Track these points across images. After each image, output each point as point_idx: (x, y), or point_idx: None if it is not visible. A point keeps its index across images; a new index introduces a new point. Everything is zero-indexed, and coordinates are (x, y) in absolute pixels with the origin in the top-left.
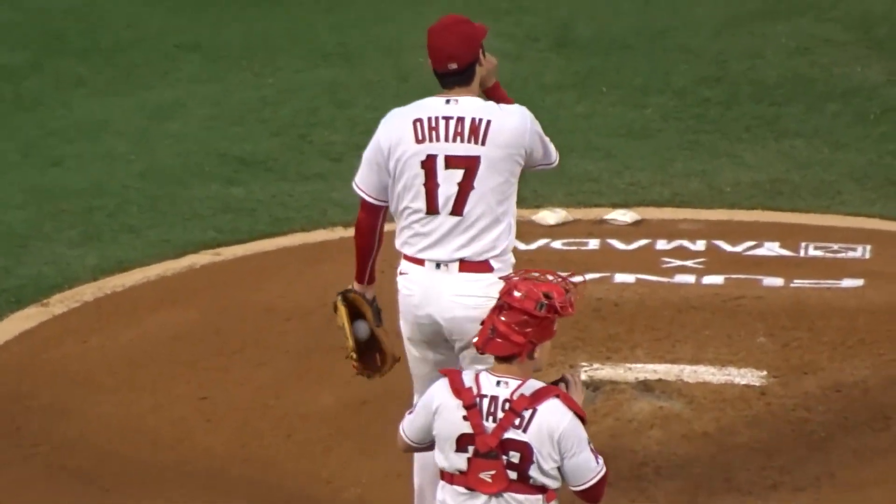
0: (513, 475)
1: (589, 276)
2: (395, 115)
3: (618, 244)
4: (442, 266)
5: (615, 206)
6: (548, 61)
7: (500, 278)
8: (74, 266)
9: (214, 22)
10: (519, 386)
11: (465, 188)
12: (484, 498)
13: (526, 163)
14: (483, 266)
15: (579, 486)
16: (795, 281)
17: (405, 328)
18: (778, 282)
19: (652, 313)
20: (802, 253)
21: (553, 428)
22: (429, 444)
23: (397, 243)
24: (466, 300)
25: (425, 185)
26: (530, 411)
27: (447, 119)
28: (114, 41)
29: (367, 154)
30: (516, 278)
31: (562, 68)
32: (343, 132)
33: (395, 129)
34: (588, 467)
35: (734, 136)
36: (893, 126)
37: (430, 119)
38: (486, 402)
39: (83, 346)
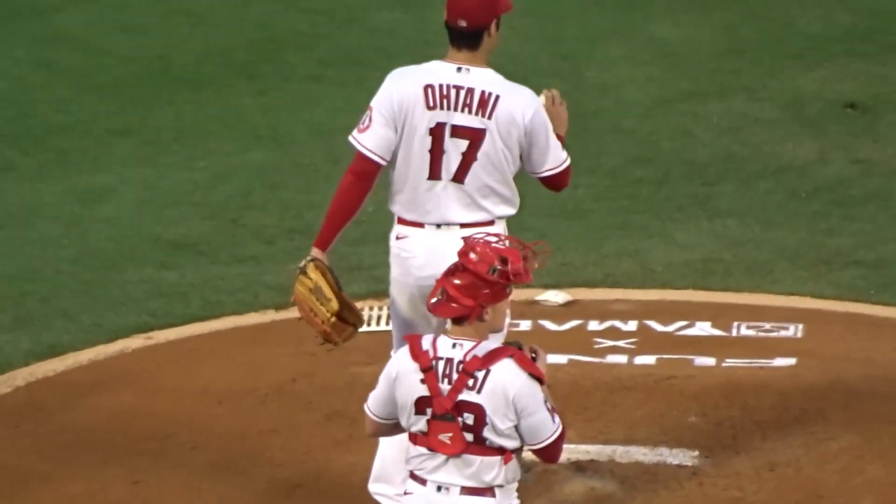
0: (469, 437)
1: None
2: (404, 74)
3: (550, 325)
4: (444, 227)
5: (547, 286)
6: None
7: (462, 238)
8: (7, 351)
9: (145, 106)
10: (473, 347)
11: (468, 158)
12: (443, 458)
13: (526, 151)
14: (484, 225)
15: (536, 444)
16: (728, 360)
17: (400, 297)
18: (710, 361)
19: (584, 394)
20: (734, 332)
21: (507, 388)
22: (394, 423)
23: (394, 208)
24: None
25: (431, 151)
26: (483, 372)
27: (458, 88)
28: (45, 126)
29: (379, 107)
30: (476, 239)
31: None
32: (275, 215)
33: (409, 91)
34: (545, 427)
35: (666, 215)
36: (825, 204)
37: (441, 86)
38: (441, 364)
39: (15, 430)
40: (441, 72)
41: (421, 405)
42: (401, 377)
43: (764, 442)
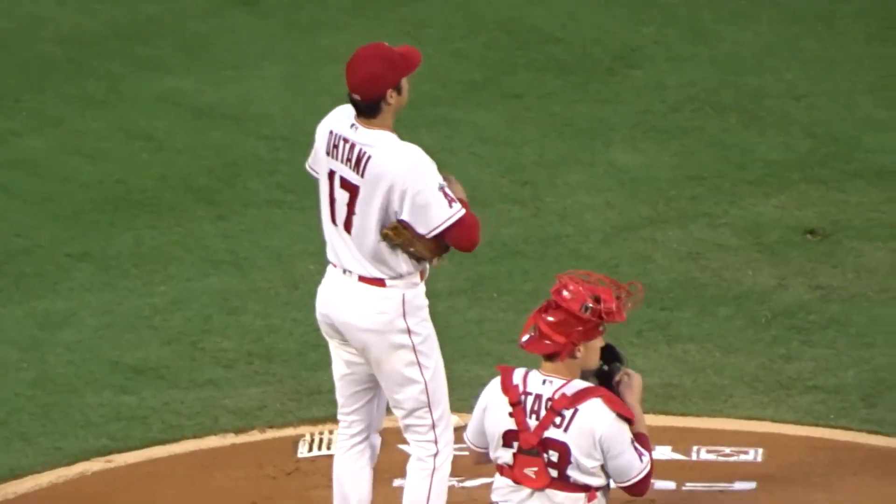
0: (553, 473)
1: (478, 482)
2: (331, 115)
3: None
4: (346, 273)
5: None
6: (440, 268)
7: (557, 276)
8: None
9: (105, 231)
10: (562, 385)
11: (350, 211)
12: (528, 492)
13: (410, 214)
14: (376, 281)
15: (623, 483)
16: (688, 484)
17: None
18: (670, 485)
19: None
20: (694, 456)
21: (594, 429)
22: None
23: None
24: (358, 309)
25: (328, 194)
26: (571, 411)
27: (345, 141)
28: (4, 250)
29: (316, 136)
30: (569, 276)
31: (452, 274)
32: (234, 339)
33: (323, 130)
34: (631, 466)
35: (626, 340)
36: (784, 330)
37: (336, 136)
38: (530, 399)
39: None
40: (342, 122)
41: (508, 438)
42: (490, 409)
43: None
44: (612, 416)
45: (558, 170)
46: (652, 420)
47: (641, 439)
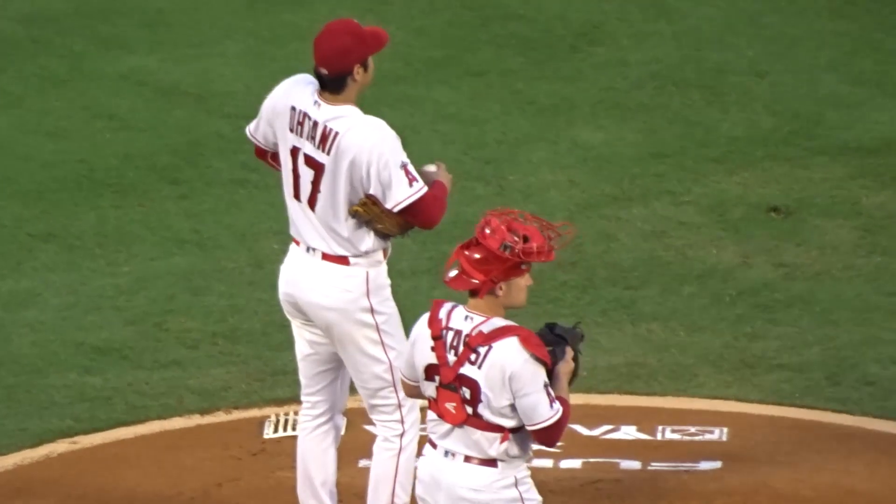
0: (469, 410)
1: None
2: (291, 85)
3: None
4: (310, 251)
5: None
6: (402, 246)
7: (485, 213)
8: None
9: (68, 211)
10: (481, 322)
11: (315, 188)
12: (448, 426)
13: (375, 190)
14: (340, 259)
15: (531, 426)
16: (653, 464)
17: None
18: (636, 465)
19: None
20: (659, 436)
21: (504, 367)
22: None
23: None
24: (321, 287)
25: (292, 170)
26: (486, 348)
27: (309, 118)
28: None
29: (264, 108)
30: (494, 215)
31: (416, 254)
32: (198, 319)
33: (283, 104)
34: (539, 410)
35: (590, 319)
36: (748, 308)
37: (300, 112)
38: (450, 334)
39: None
40: (305, 98)
41: (430, 372)
42: (416, 342)
43: None
44: (525, 355)
45: (521, 147)
46: (617, 400)
47: (560, 399)
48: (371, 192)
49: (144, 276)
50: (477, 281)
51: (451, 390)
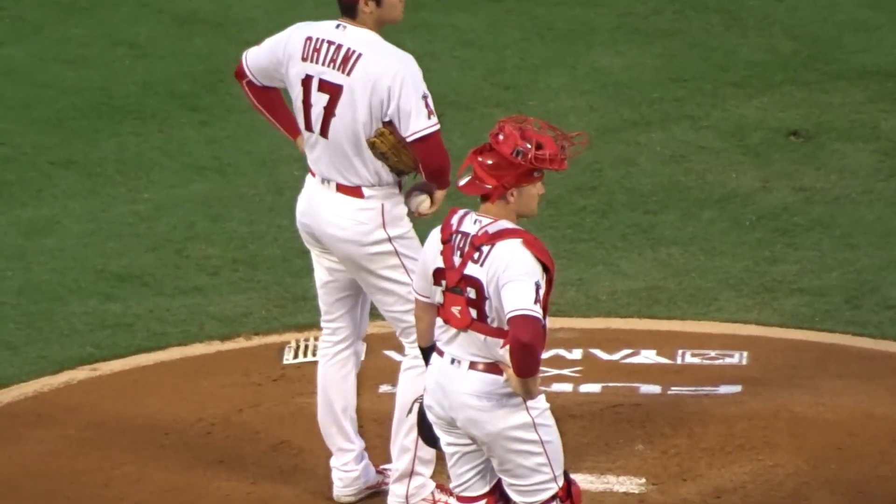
0: (473, 313)
1: None
2: (299, 27)
3: None
4: (325, 182)
5: None
6: None
7: (501, 122)
8: None
9: (88, 138)
10: (488, 224)
11: (328, 113)
12: (454, 332)
13: (392, 116)
14: (354, 191)
15: (511, 311)
16: (673, 388)
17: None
18: (655, 389)
19: None
20: (679, 360)
21: (505, 262)
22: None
23: None
24: (336, 220)
25: (303, 101)
26: (489, 247)
27: (330, 43)
28: None
29: (271, 42)
30: (509, 122)
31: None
32: (219, 246)
33: (294, 42)
34: (522, 299)
35: (610, 244)
36: (768, 232)
37: (317, 40)
38: (458, 238)
39: None
40: (324, 26)
41: (437, 277)
42: (427, 247)
43: (710, 469)
44: (527, 253)
45: (540, 73)
46: (636, 324)
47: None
48: (388, 117)
49: (165, 203)
50: (489, 186)
51: (456, 294)
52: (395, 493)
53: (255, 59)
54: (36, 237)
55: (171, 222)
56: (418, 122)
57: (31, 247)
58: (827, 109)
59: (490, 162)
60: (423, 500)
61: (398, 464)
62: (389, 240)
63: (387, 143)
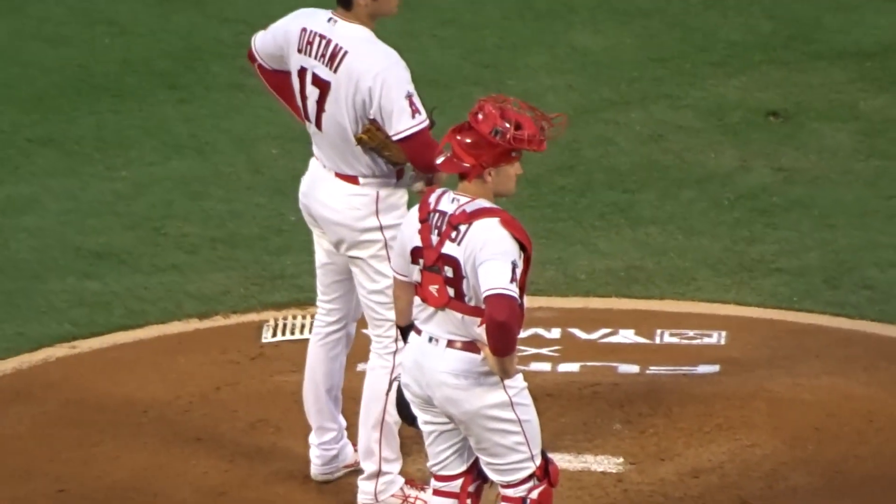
0: (451, 291)
1: None
2: (298, 16)
3: None
4: (325, 167)
5: None
6: None
7: (481, 101)
8: None
9: (67, 116)
10: (466, 203)
11: (320, 107)
12: (432, 310)
13: (375, 115)
14: (351, 178)
15: (486, 290)
16: (651, 368)
17: None
18: (634, 369)
19: None
20: (658, 340)
21: (482, 240)
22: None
23: None
24: (331, 202)
25: (300, 92)
26: (466, 226)
27: (321, 37)
28: None
29: (274, 28)
30: (489, 101)
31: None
32: (197, 224)
33: (291, 32)
34: (498, 278)
35: (588, 223)
36: (747, 212)
37: (310, 32)
38: (436, 216)
39: None
40: (318, 17)
41: (415, 255)
42: (405, 226)
43: (688, 449)
44: (505, 232)
45: (520, 52)
46: (615, 303)
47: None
48: (372, 116)
49: (143, 181)
50: (467, 165)
51: (434, 272)
52: (364, 490)
53: (263, 43)
54: (14, 215)
55: (150, 200)
56: (401, 122)
57: (10, 224)
58: (806, 89)
59: (468, 141)
60: (393, 496)
61: (364, 465)
62: (381, 229)
63: (375, 139)
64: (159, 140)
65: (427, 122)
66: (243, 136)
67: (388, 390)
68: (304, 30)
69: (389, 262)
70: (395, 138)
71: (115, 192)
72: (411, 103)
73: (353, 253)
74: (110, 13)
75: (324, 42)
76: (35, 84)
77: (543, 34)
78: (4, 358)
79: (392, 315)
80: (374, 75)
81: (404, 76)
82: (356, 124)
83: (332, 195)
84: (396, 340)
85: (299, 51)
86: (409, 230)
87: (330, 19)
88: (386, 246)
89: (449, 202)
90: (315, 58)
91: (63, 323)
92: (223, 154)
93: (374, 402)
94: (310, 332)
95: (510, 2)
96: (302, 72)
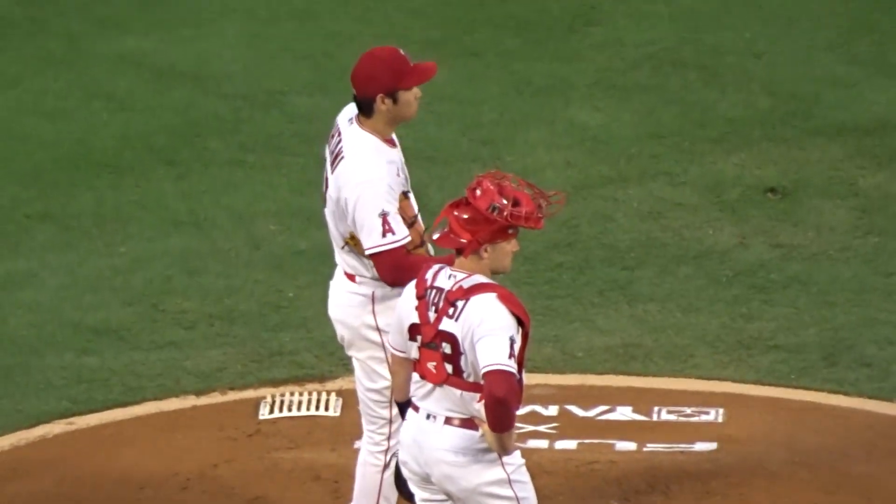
0: (449, 368)
1: None
2: (346, 107)
3: None
4: (337, 267)
5: None
6: None
7: (480, 177)
8: None
9: (65, 191)
10: (463, 279)
11: (324, 201)
12: (430, 387)
13: (351, 226)
14: (349, 276)
15: (485, 366)
16: (649, 445)
17: None
18: (631, 446)
19: None
20: (655, 417)
21: (480, 316)
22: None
23: None
24: (334, 298)
25: (324, 181)
26: (463, 301)
27: (339, 134)
28: None
29: None
30: (487, 177)
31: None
32: (195, 300)
33: (336, 120)
34: (496, 354)
35: (587, 300)
36: (745, 289)
37: (336, 127)
38: (433, 293)
39: None
40: (346, 115)
41: (413, 332)
42: (401, 302)
43: None
44: (502, 307)
45: (518, 128)
46: (612, 380)
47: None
48: (349, 226)
49: (141, 257)
50: (463, 241)
51: (431, 349)
52: None
53: None
54: (12, 290)
55: (148, 276)
56: (371, 239)
57: (8, 299)
58: (805, 166)
59: (465, 216)
60: None
61: None
62: (378, 329)
63: (359, 246)
64: (157, 216)
65: (400, 244)
66: (242, 212)
67: (381, 488)
68: (336, 123)
69: (387, 363)
70: (366, 253)
71: (114, 267)
72: (385, 222)
73: (352, 352)
74: (109, 88)
75: (338, 140)
76: (34, 159)
77: (542, 110)
78: (2, 434)
79: (386, 414)
80: (353, 186)
81: (381, 192)
82: (343, 227)
83: (335, 291)
84: (389, 438)
85: (327, 141)
86: (406, 306)
87: (351, 119)
88: (384, 347)
89: (446, 278)
90: (330, 152)
91: (61, 399)
92: (221, 230)
93: (368, 498)
94: (307, 408)
95: (508, 78)
96: (324, 162)
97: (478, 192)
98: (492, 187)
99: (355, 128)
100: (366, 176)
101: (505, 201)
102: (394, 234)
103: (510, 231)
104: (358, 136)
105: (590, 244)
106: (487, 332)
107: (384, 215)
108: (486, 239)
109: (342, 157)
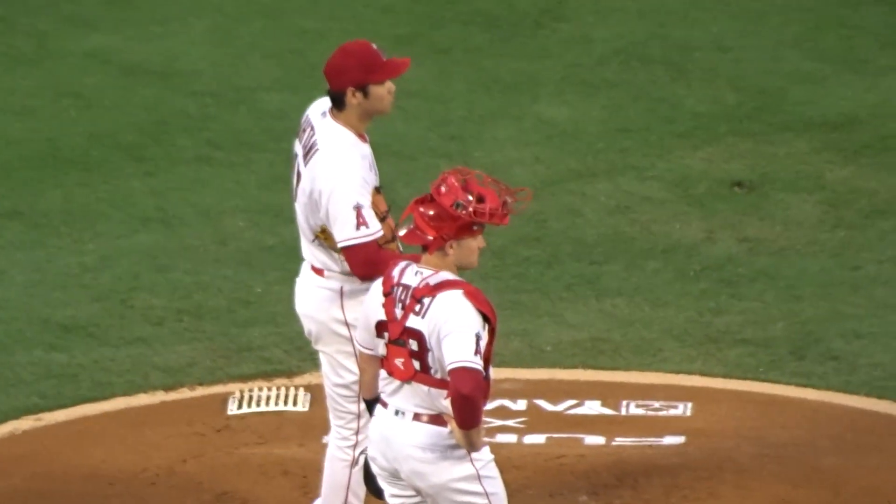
0: (416, 364)
1: None
2: (317, 101)
3: None
4: (303, 258)
5: None
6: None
7: (445, 173)
8: None
9: (34, 189)
10: (429, 276)
11: (295, 196)
12: (398, 383)
13: (324, 219)
14: (318, 270)
15: (450, 363)
16: (617, 439)
17: None
18: (600, 440)
19: None
20: (624, 411)
21: (446, 313)
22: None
23: None
24: (302, 293)
25: (294, 176)
26: (430, 298)
27: (311, 128)
28: None
29: None
30: (452, 173)
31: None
32: (164, 296)
33: (305, 114)
34: (462, 351)
35: (555, 295)
36: (713, 283)
37: (307, 120)
38: (399, 290)
39: None
40: (318, 109)
41: (380, 329)
42: (368, 300)
43: None
44: (468, 304)
45: (486, 124)
46: (581, 375)
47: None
48: (321, 219)
49: (110, 254)
50: (429, 238)
51: (399, 346)
52: None
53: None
54: None
55: (116, 273)
56: (344, 232)
57: None
58: (772, 160)
59: (430, 213)
60: None
61: None
62: (346, 324)
63: (329, 239)
64: (126, 213)
65: (373, 237)
66: (210, 208)
67: (349, 483)
68: (306, 117)
69: (356, 358)
70: (339, 245)
71: (82, 264)
72: (359, 214)
73: (319, 347)
74: (76, 86)
75: (310, 133)
76: (2, 156)
77: (509, 106)
78: None
79: (354, 409)
80: (325, 179)
81: (354, 185)
82: (314, 220)
83: (303, 285)
84: (357, 433)
85: (297, 136)
86: (373, 304)
87: (324, 113)
88: (352, 341)
89: (412, 275)
90: (302, 146)
91: (30, 395)
92: (190, 226)
93: (336, 493)
94: (276, 404)
95: (476, 74)
96: (294, 157)
97: (443, 188)
98: (456, 184)
99: (329, 121)
100: (340, 169)
101: (470, 198)
102: (367, 227)
103: (475, 227)
104: (332, 129)
105: (558, 239)
106: (453, 329)
107: (358, 208)
108: (451, 235)
109: (316, 150)
